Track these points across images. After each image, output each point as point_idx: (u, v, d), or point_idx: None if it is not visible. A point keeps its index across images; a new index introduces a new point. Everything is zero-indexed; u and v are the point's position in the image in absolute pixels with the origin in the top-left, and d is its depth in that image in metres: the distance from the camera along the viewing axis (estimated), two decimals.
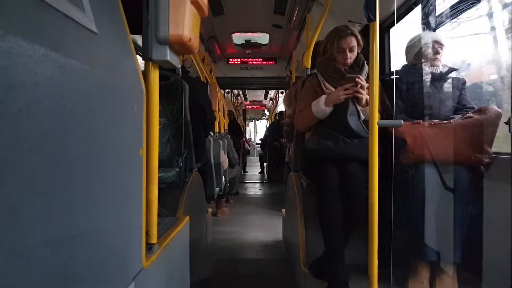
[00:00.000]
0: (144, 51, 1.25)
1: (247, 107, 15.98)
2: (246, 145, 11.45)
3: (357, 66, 2.22)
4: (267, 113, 16.88)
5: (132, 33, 1.13)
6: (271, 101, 13.68)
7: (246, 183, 8.84)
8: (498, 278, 1.72)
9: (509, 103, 1.49)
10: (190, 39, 1.24)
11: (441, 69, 2.11)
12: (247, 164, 11.45)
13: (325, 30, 2.42)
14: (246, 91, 13.08)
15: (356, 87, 2.05)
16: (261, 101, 15.12)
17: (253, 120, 20.96)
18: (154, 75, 1.32)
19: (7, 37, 0.57)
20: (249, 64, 7.11)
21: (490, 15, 1.96)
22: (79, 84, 0.78)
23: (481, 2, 2.06)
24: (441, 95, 2.08)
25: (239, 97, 13.33)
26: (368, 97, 2.01)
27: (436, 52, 2.09)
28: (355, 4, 2.99)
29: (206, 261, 3.17)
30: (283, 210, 3.87)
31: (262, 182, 9.09)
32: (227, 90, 9.75)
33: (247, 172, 10.83)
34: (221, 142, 4.50)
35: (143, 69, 1.29)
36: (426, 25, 2.33)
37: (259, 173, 10.89)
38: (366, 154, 1.62)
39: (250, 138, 16.45)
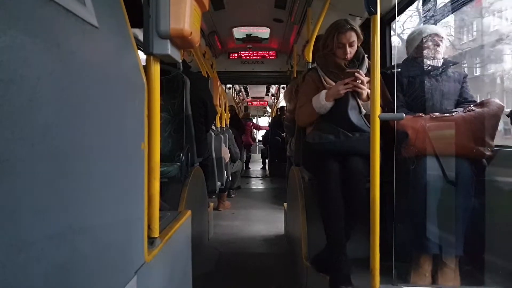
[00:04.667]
0: (145, 45, 1.25)
1: (248, 103, 15.92)
2: (251, 140, 10.88)
3: (357, 60, 2.21)
4: (268, 110, 16.79)
5: (133, 27, 1.13)
6: (272, 97, 13.62)
7: (248, 177, 8.84)
8: (500, 270, 1.73)
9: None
10: (191, 33, 1.24)
11: (442, 62, 2.10)
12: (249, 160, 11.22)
13: (326, 24, 2.41)
14: (247, 87, 13.02)
15: (355, 81, 2.05)
16: (263, 97, 15.06)
17: (255, 117, 20.85)
18: (155, 70, 1.32)
19: (8, 32, 0.57)
20: (250, 59, 7.10)
21: None
22: (80, 78, 0.78)
23: None
24: (442, 88, 2.08)
25: (240, 93, 13.28)
26: (369, 91, 2.01)
27: (437, 45, 2.08)
28: None
29: (208, 255, 3.18)
30: (285, 204, 3.87)
31: (263, 177, 9.09)
32: (228, 86, 9.72)
33: (250, 168, 10.75)
34: (222, 136, 4.50)
35: (144, 63, 1.29)
36: (427, 17, 2.33)
37: (261, 168, 10.85)
38: (368, 148, 1.61)
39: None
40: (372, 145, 1.59)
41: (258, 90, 13.74)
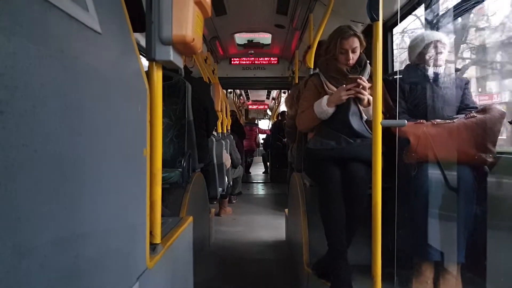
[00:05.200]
0: (147, 52, 1.25)
1: (249, 107, 15.93)
2: (255, 146, 10.54)
3: (359, 66, 2.22)
4: (269, 113, 16.82)
5: (135, 31, 1.13)
6: (273, 101, 13.65)
7: (249, 183, 8.82)
8: (503, 278, 1.72)
9: None
10: (194, 39, 1.24)
11: (444, 68, 2.10)
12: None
13: (328, 30, 2.42)
14: (248, 90, 13.05)
15: (358, 87, 2.05)
16: (263, 100, 15.10)
17: (256, 120, 20.84)
18: (158, 75, 1.32)
19: (12, 38, 0.57)
20: (252, 64, 7.10)
21: None
22: (83, 84, 0.78)
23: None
24: (444, 94, 2.07)
25: (241, 97, 13.30)
26: (370, 97, 2.01)
27: (439, 52, 2.08)
28: (358, 4, 2.99)
29: (209, 261, 3.17)
30: (286, 210, 3.87)
31: (265, 182, 9.07)
32: (229, 90, 9.72)
33: (250, 173, 10.67)
34: (223, 142, 4.50)
35: (147, 69, 1.29)
36: (429, 24, 2.33)
37: (263, 173, 10.79)
38: (369, 154, 1.61)
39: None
40: (374, 151, 1.59)
41: (259, 94, 13.78)
